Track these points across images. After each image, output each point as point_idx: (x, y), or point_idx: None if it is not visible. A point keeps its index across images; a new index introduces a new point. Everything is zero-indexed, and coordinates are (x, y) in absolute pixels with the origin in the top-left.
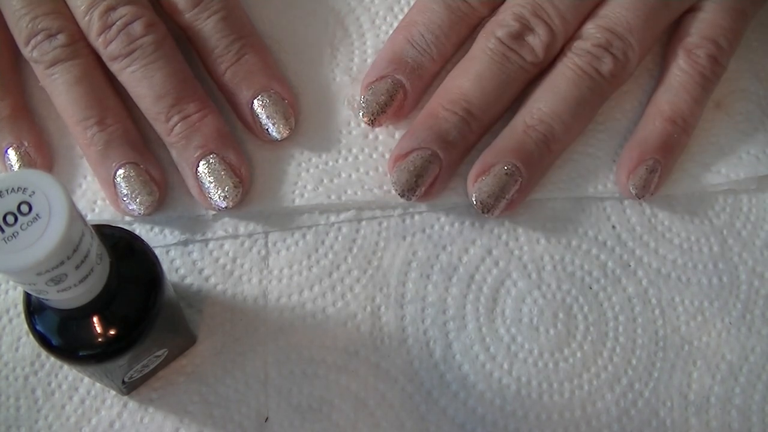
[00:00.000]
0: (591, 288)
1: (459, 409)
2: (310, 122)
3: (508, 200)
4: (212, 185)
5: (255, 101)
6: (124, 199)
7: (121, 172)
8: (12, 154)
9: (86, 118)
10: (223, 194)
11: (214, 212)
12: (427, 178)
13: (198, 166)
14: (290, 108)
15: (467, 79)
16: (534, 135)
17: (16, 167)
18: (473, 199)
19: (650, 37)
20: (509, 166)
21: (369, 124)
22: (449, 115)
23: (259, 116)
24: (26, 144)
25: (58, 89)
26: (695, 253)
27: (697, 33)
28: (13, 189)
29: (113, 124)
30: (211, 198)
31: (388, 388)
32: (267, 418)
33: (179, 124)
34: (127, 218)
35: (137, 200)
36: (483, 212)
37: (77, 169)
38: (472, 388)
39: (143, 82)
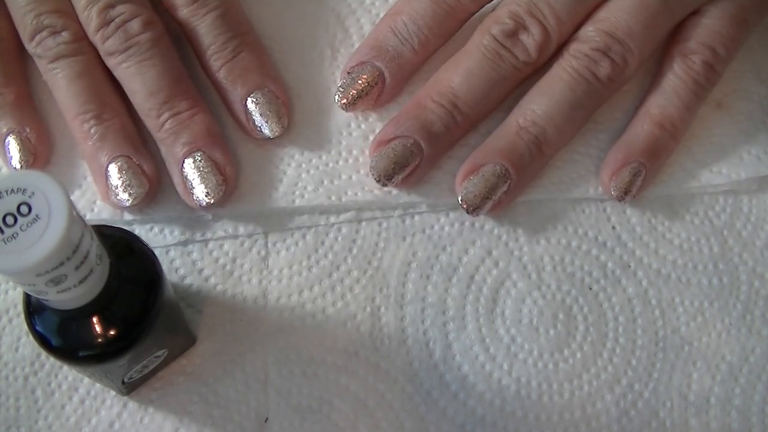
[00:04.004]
0: (591, 288)
1: (459, 410)
2: (311, 123)
3: (495, 201)
4: (196, 182)
5: (249, 99)
6: (115, 189)
7: (113, 164)
8: (12, 140)
9: (84, 112)
10: (205, 191)
11: (204, 212)
12: (406, 167)
13: (184, 162)
14: (284, 107)
15: (458, 73)
16: (526, 137)
17: (16, 153)
18: (459, 198)
19: (650, 42)
20: (499, 168)
21: (344, 108)
22: (436, 107)
23: (252, 114)
24: (28, 131)
25: (59, 83)
26: (695, 253)
27: (696, 38)
28: (12, 190)
29: (110, 119)
30: (194, 194)
31: (388, 388)
32: (267, 419)
33: (169, 121)
34: (127, 218)
35: (127, 191)
36: (468, 212)
37: (77, 170)
38: (471, 389)
39: (137, 78)
